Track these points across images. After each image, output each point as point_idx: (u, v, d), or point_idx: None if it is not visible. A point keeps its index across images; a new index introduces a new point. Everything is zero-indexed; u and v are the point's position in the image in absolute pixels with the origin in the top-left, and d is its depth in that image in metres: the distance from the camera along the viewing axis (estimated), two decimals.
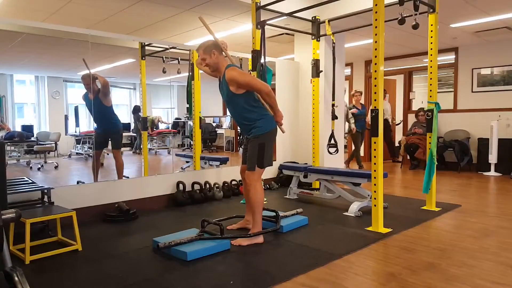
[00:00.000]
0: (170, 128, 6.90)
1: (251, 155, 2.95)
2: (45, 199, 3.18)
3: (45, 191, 3.18)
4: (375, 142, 3.25)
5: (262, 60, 4.28)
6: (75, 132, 5.96)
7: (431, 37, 3.93)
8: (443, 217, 3.77)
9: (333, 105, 5.11)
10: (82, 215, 3.50)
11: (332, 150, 5.12)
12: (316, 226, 3.46)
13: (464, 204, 4.35)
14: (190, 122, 5.76)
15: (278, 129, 3.08)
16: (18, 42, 4.65)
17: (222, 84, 2.95)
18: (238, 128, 3.82)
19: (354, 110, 7.17)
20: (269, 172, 5.48)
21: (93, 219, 3.71)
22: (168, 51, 4.86)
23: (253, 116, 2.94)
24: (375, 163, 3.27)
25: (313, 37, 5.15)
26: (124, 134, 6.37)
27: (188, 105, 5.04)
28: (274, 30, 5.37)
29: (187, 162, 5.27)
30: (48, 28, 3.74)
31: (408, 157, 7.65)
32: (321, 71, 5.21)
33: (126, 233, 3.30)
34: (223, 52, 2.97)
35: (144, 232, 3.29)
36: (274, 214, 3.34)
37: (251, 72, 4.35)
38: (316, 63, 5.15)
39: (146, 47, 4.64)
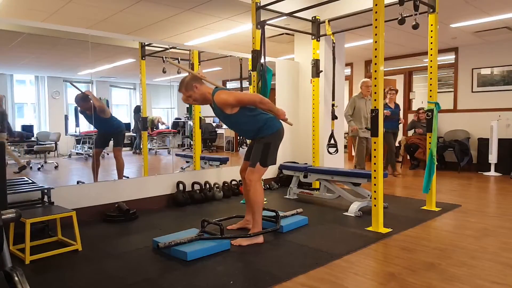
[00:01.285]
0: (170, 128, 6.90)
1: (255, 153, 2.98)
2: (45, 199, 3.18)
3: (45, 191, 3.18)
4: (375, 142, 3.26)
5: (262, 60, 4.28)
6: (75, 132, 5.96)
7: (431, 37, 3.93)
8: (443, 217, 3.77)
9: (333, 105, 5.11)
10: (82, 215, 3.50)
11: (332, 150, 5.12)
12: (316, 226, 3.46)
13: (464, 204, 4.35)
14: (190, 122, 5.76)
15: (287, 125, 3.13)
16: (18, 42, 4.64)
17: (216, 109, 2.99)
18: None
19: (387, 112, 6.34)
20: (269, 172, 5.48)
21: (93, 219, 3.71)
22: (168, 51, 4.86)
23: (256, 124, 2.98)
24: (375, 163, 3.27)
25: (313, 37, 5.15)
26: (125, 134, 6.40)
27: (188, 105, 5.05)
28: (274, 30, 5.37)
29: (187, 162, 5.27)
30: (48, 28, 3.74)
31: (408, 157, 7.66)
32: (321, 71, 5.21)
33: (126, 233, 3.29)
34: (203, 81, 3.00)
35: (144, 232, 3.29)
36: (274, 214, 3.34)
37: (251, 72, 4.36)
38: (316, 63, 5.14)
39: (146, 47, 4.64)
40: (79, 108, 4.65)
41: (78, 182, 4.02)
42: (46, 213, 2.80)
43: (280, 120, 3.08)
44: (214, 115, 3.08)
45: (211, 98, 2.92)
